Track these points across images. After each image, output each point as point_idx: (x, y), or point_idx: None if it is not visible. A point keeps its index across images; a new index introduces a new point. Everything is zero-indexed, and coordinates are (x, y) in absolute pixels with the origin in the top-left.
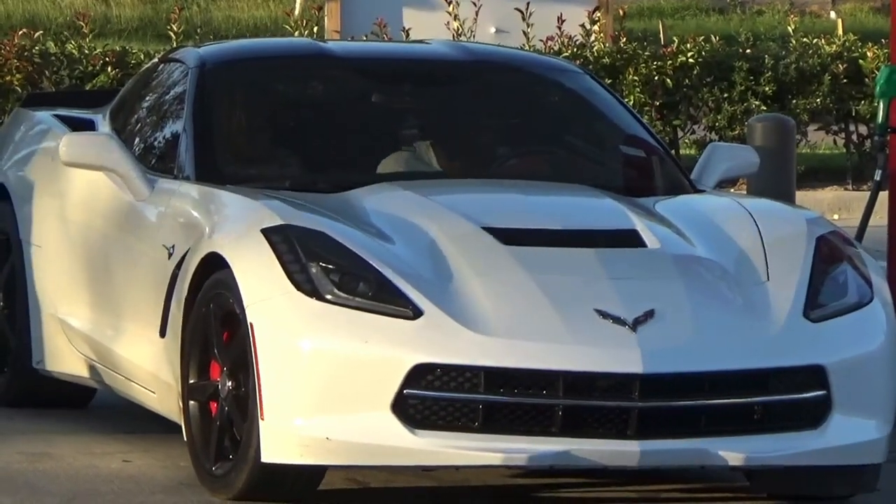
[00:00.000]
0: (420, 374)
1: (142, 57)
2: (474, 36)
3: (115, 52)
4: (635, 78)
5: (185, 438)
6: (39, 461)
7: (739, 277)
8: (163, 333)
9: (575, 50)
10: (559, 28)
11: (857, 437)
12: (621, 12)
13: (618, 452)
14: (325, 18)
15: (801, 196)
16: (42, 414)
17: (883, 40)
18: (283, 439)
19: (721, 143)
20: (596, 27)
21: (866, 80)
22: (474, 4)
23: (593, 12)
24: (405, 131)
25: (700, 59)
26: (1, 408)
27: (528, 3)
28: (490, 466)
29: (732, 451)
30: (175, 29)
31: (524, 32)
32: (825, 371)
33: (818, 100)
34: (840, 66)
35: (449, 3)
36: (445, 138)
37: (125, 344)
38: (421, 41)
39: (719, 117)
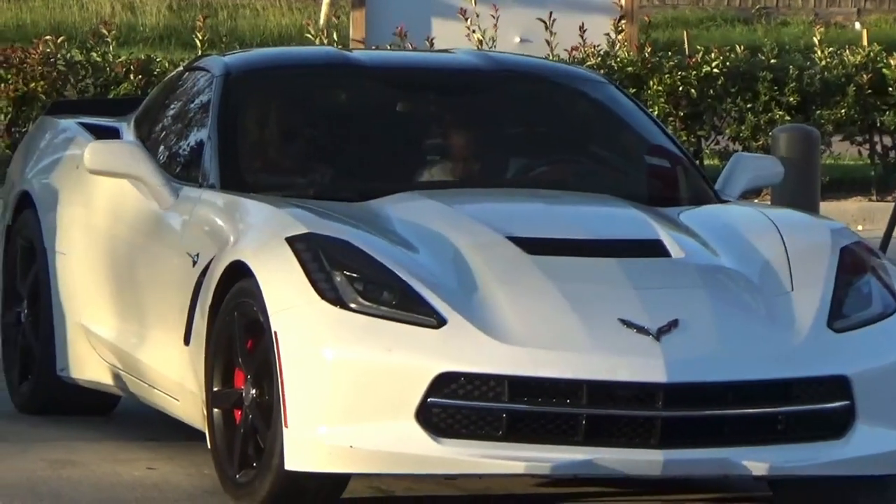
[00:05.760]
0: (444, 383)
1: (166, 65)
2: (495, 45)
3: (140, 60)
4: (659, 88)
5: (209, 446)
6: (63, 468)
7: (763, 287)
8: (187, 341)
9: (599, 60)
10: (582, 37)
11: (882, 448)
12: (647, 19)
13: (641, 461)
14: (350, 27)
15: (825, 206)
16: (66, 421)
17: None
18: (306, 447)
19: (745, 154)
20: (620, 36)
21: (890, 89)
22: (493, 17)
23: (619, 20)
24: (430, 140)
25: (724, 70)
26: (25, 415)
27: (550, 13)
28: (514, 475)
29: (756, 461)
30: (200, 37)
31: (547, 42)
32: (849, 381)
33: (843, 110)
34: (865, 76)
35: (466, 19)
36: (470, 147)
37: (149, 352)
38: (446, 50)
39: (743, 128)
